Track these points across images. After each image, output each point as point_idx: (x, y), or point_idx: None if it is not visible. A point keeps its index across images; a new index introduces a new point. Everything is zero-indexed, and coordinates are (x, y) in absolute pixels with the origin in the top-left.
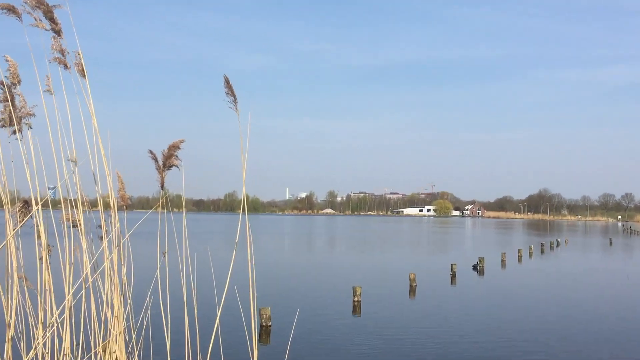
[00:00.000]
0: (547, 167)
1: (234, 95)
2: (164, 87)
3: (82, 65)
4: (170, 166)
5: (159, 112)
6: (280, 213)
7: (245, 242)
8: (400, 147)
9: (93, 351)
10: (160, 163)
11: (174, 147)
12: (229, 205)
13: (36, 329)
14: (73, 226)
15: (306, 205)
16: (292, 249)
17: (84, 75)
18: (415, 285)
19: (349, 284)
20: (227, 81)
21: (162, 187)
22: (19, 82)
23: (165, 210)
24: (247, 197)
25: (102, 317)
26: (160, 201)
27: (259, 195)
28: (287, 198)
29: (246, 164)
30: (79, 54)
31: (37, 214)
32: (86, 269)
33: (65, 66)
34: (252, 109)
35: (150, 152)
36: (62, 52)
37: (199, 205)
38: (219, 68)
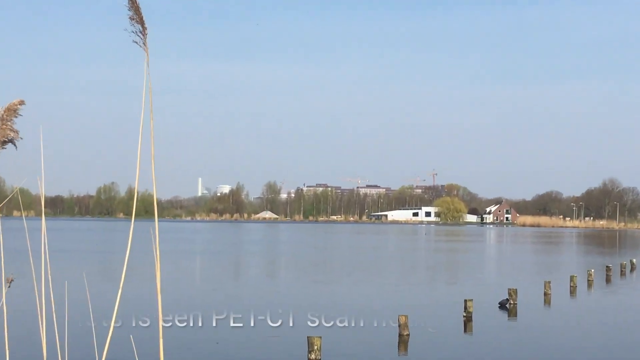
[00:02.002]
0: (615, 146)
1: (143, 23)
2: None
3: None
4: (5, 141)
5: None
6: (189, 218)
7: (137, 266)
8: (379, 109)
9: None
10: None
11: (10, 112)
12: (104, 205)
13: None
14: None
15: (230, 206)
16: (210, 277)
17: None
18: (408, 335)
19: (303, 333)
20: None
21: None
22: None
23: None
24: (137, 193)
25: None
26: None
27: (152, 190)
28: (199, 194)
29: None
30: None
31: None
32: None
33: None
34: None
35: None
36: None
37: (55, 206)
38: None
